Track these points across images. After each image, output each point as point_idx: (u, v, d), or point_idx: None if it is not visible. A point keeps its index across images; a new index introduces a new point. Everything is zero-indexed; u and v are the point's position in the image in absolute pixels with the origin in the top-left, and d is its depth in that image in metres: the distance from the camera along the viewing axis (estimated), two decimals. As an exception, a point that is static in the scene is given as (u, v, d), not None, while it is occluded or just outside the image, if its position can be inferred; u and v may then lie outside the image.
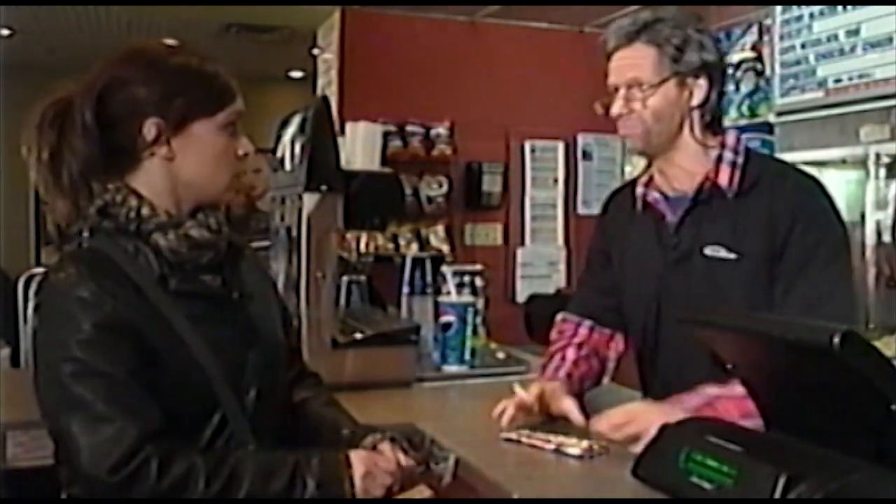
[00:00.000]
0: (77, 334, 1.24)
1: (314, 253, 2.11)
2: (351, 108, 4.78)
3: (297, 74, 8.00)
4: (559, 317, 2.03)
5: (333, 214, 2.15)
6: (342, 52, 5.18)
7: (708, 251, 1.73)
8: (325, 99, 2.23)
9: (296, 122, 2.23)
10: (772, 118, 4.07)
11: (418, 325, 2.31)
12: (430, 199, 5.23)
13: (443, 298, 2.37)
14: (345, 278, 2.55)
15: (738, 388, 1.47)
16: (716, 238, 1.73)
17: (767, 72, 4.16)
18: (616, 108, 1.77)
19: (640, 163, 2.03)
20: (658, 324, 1.84)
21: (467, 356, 2.33)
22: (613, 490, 1.39)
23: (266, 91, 8.13)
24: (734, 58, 4.36)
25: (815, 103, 3.76)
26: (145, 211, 1.33)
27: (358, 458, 1.35)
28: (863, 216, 3.49)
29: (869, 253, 3.45)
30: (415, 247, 5.14)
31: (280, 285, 2.24)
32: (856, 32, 3.57)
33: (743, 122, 4.27)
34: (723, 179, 1.73)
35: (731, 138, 1.78)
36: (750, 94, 4.29)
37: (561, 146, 5.60)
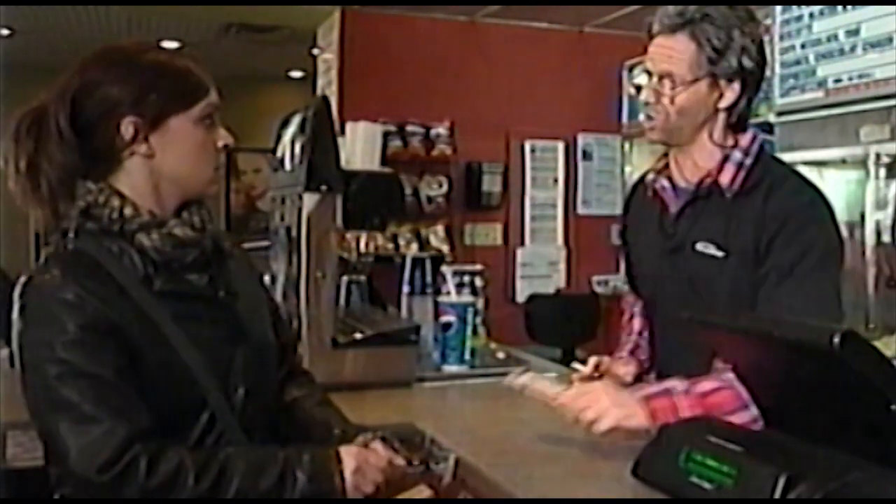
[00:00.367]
0: (62, 336, 1.24)
1: (314, 253, 2.11)
2: (351, 108, 4.78)
3: (297, 74, 8.00)
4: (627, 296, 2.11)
5: (333, 214, 2.15)
6: (342, 52, 5.18)
7: (699, 246, 1.74)
8: (325, 99, 2.23)
9: (296, 122, 2.23)
10: (772, 118, 4.07)
11: (418, 325, 2.31)
12: (430, 199, 5.24)
13: (443, 298, 2.37)
14: (345, 278, 2.55)
15: (704, 385, 1.52)
16: (708, 235, 1.73)
17: (767, 72, 4.16)
18: (644, 95, 1.77)
19: (640, 163, 2.03)
20: (655, 309, 1.88)
21: (467, 356, 2.33)
22: (613, 490, 1.39)
23: (266, 91, 8.16)
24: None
25: (815, 103, 3.75)
26: (128, 211, 1.33)
27: (348, 453, 1.35)
28: (863, 216, 3.49)
29: (869, 253, 3.45)
30: (415, 247, 5.14)
31: (280, 285, 2.24)
32: (856, 32, 3.56)
33: (743, 122, 4.27)
34: (724, 178, 1.73)
35: (745, 139, 1.77)
36: (750, 94, 4.29)
37: (561, 146, 5.60)
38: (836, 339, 1.08)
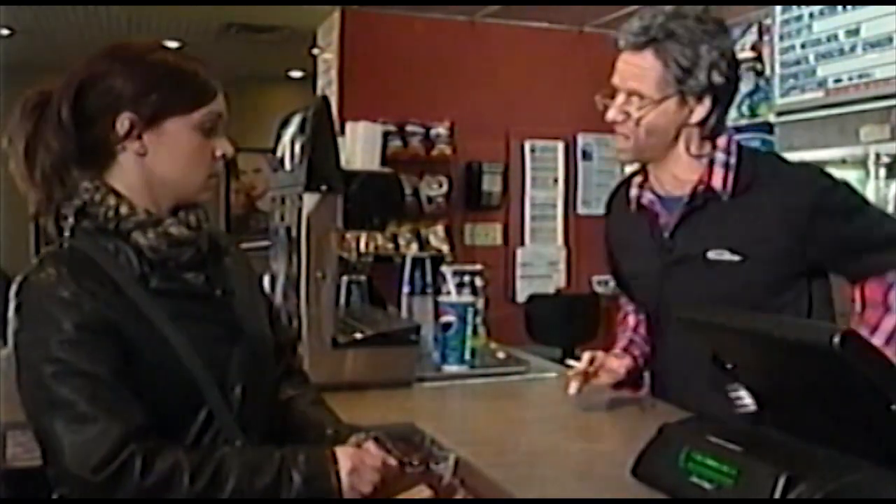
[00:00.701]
0: (58, 334, 1.24)
1: (314, 253, 2.11)
2: (351, 108, 4.78)
3: (297, 74, 8.00)
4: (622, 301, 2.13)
5: (333, 214, 2.14)
6: (342, 52, 5.18)
7: (711, 255, 1.71)
8: (325, 99, 2.23)
9: (296, 122, 2.23)
10: (772, 118, 4.07)
11: (418, 325, 2.31)
12: (430, 199, 5.24)
13: (443, 298, 2.37)
14: (345, 278, 2.55)
15: None
16: (719, 241, 1.71)
17: (767, 72, 4.16)
18: (611, 114, 1.75)
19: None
20: (658, 324, 1.85)
21: (467, 356, 2.32)
22: (613, 490, 1.39)
23: (266, 91, 8.15)
24: (734, 58, 4.36)
25: (815, 103, 3.76)
26: (124, 209, 1.33)
27: (344, 453, 1.35)
28: (863, 216, 3.49)
29: (869, 253, 3.45)
30: (415, 247, 5.14)
31: (280, 285, 2.24)
32: (856, 32, 3.57)
33: (743, 122, 4.28)
34: (716, 182, 1.71)
35: (721, 140, 1.75)
36: (750, 94, 4.29)
37: (561, 146, 5.60)
38: (836, 339, 1.08)
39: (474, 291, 2.53)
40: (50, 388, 1.22)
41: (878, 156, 3.42)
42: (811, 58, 3.79)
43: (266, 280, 2.28)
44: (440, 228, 5.29)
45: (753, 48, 4.32)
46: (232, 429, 1.35)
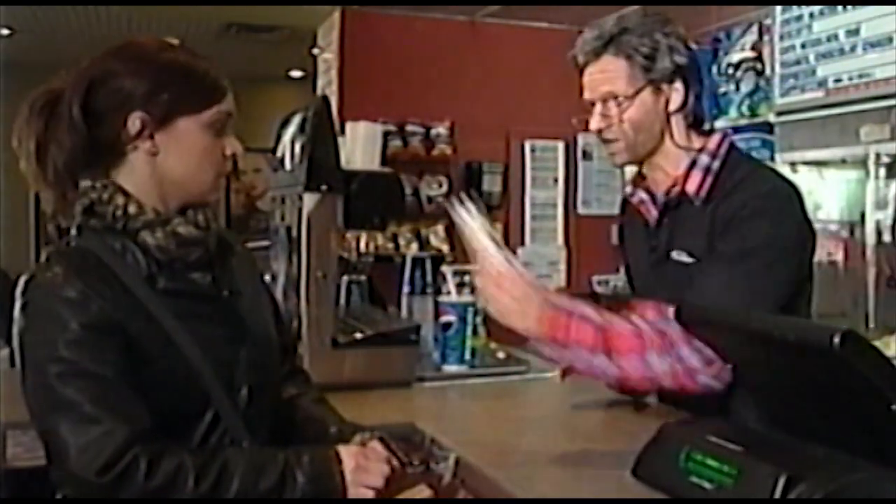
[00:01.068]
0: (64, 334, 1.23)
1: (314, 253, 2.11)
2: (351, 108, 4.78)
3: (297, 74, 8.00)
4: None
5: (333, 214, 2.14)
6: (342, 52, 5.18)
7: (674, 255, 1.74)
8: (325, 99, 2.23)
9: (296, 121, 2.23)
10: (772, 118, 4.07)
11: (418, 324, 2.31)
12: (430, 199, 5.24)
13: (443, 298, 2.37)
14: (345, 278, 2.55)
15: (617, 326, 1.50)
16: (682, 243, 1.73)
17: (767, 71, 4.16)
18: (594, 124, 1.75)
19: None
20: None
21: (467, 356, 2.33)
22: (613, 490, 1.39)
23: (266, 91, 8.14)
24: (734, 58, 4.36)
25: (815, 103, 3.76)
26: (132, 209, 1.32)
27: (348, 453, 1.35)
28: (863, 216, 3.50)
29: (869, 253, 3.46)
30: (415, 246, 5.14)
31: (280, 285, 2.24)
32: (856, 32, 3.57)
33: (743, 122, 4.28)
34: (690, 187, 1.71)
35: (713, 142, 1.75)
36: (750, 94, 4.29)
37: (561, 146, 5.60)
38: (836, 339, 1.08)
39: (474, 291, 2.53)
40: (55, 389, 1.22)
41: (878, 156, 3.42)
42: (811, 58, 3.79)
43: (266, 280, 2.28)
44: (440, 228, 5.28)
45: (753, 48, 4.32)
46: (238, 429, 1.35)
